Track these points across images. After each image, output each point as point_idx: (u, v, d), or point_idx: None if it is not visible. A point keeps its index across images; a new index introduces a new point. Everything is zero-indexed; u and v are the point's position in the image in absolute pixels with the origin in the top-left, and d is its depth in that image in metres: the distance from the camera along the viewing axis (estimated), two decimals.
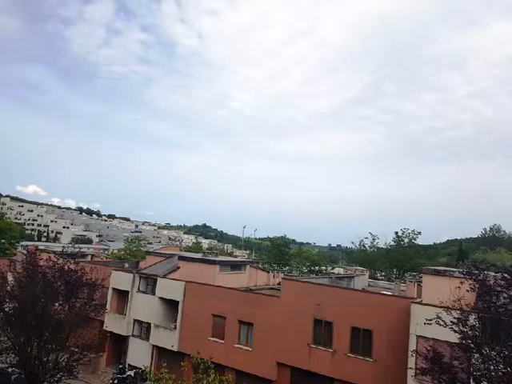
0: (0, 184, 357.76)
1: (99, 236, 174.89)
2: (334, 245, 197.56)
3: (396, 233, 60.93)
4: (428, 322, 14.16)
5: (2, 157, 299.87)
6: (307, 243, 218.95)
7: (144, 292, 29.70)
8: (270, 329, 23.60)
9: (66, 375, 21.07)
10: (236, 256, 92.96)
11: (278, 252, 69.56)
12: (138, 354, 28.81)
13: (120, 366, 28.90)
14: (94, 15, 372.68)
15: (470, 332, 13.21)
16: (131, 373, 27.65)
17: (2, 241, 63.15)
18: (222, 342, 25.14)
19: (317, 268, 63.46)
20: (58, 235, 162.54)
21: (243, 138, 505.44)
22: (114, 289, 30.90)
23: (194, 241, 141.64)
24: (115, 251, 79.71)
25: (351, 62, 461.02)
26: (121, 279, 30.88)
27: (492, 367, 12.28)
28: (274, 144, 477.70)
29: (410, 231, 59.17)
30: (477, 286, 13.94)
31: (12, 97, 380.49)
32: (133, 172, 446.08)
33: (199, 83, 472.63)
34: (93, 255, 45.88)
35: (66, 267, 22.79)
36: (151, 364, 27.71)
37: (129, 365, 29.00)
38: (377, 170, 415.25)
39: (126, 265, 39.42)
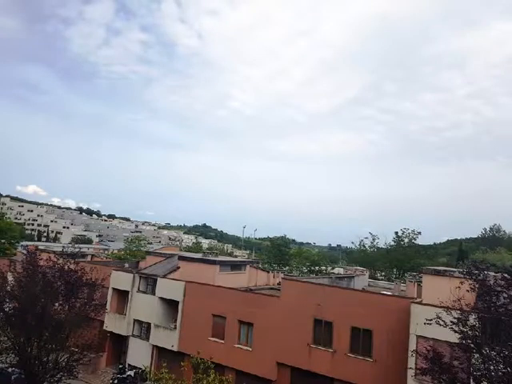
0: (0, 184, 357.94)
1: (99, 236, 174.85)
2: (334, 245, 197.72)
3: (396, 233, 61.01)
4: (428, 322, 14.16)
5: (2, 157, 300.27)
6: (307, 243, 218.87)
7: (144, 292, 29.69)
8: (270, 329, 23.59)
9: (66, 375, 21.07)
10: (236, 256, 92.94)
11: (278, 252, 69.56)
12: (138, 354, 28.81)
13: (120, 366, 28.90)
14: (94, 15, 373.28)
15: (470, 332, 13.20)
16: (131, 373, 27.65)
17: (2, 241, 63.15)
18: (222, 342, 25.13)
19: (317, 268, 63.47)
20: (58, 235, 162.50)
21: (243, 138, 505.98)
22: (114, 289, 30.89)
23: (194, 241, 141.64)
24: (115, 251, 79.70)
25: (351, 62, 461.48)
26: (121, 279, 30.88)
27: (492, 367, 12.27)
28: (274, 144, 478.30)
29: (410, 231, 59.25)
30: (477, 285, 13.94)
31: (12, 97, 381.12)
32: (133, 172, 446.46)
33: (199, 83, 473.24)
34: (93, 255, 45.88)
35: (66, 267, 22.79)
36: (151, 364, 27.70)
37: (129, 365, 29.00)
38: (377, 170, 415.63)
39: (126, 265, 39.42)
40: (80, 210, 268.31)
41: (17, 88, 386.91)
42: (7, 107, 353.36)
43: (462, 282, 14.25)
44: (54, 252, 33.45)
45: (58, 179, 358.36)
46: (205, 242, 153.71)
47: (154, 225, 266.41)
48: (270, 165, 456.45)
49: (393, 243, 61.67)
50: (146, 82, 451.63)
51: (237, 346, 24.62)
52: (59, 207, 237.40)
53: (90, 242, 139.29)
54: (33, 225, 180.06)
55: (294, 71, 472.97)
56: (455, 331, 13.46)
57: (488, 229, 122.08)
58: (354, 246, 69.81)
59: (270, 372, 23.25)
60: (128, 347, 29.76)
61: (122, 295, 30.83)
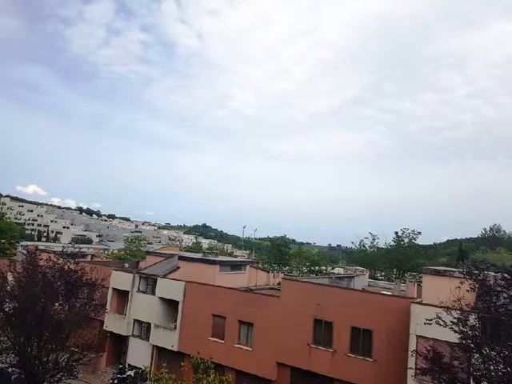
0: (0, 184, 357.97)
1: (99, 236, 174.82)
2: (334, 245, 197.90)
3: (396, 233, 61.03)
4: (428, 322, 14.16)
5: (2, 157, 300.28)
6: (307, 243, 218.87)
7: (144, 292, 29.69)
8: (270, 329, 23.59)
9: (66, 375, 21.06)
10: (236, 256, 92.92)
11: (278, 252, 69.57)
12: (138, 354, 28.81)
13: (120, 366, 28.90)
14: (94, 15, 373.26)
15: (470, 332, 13.20)
16: (131, 373, 27.65)
17: (2, 241, 63.16)
18: (222, 342, 25.13)
19: (317, 268, 63.48)
20: (58, 235, 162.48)
21: (243, 138, 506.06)
22: (114, 289, 30.89)
23: (194, 241, 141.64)
24: (115, 251, 79.70)
25: (351, 62, 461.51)
26: (121, 279, 30.88)
27: (492, 367, 12.27)
28: (274, 144, 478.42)
29: (410, 231, 59.29)
30: (477, 286, 13.94)
31: (12, 97, 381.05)
32: (133, 172, 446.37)
33: (199, 83, 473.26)
34: (93, 255, 45.88)
35: (66, 267, 22.78)
36: (151, 364, 27.70)
37: (129, 365, 28.99)
38: (377, 169, 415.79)
39: (126, 265, 39.42)
40: (80, 210, 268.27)
41: (17, 88, 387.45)
42: (7, 107, 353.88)
43: (461, 282, 14.25)
44: (54, 252, 33.44)
45: (57, 179, 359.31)
46: (205, 242, 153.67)
47: (154, 225, 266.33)
48: (270, 165, 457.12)
49: (393, 243, 61.73)
50: (146, 82, 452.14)
51: (237, 345, 24.62)
52: (59, 207, 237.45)
53: (90, 242, 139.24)
54: (33, 225, 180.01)
55: (294, 71, 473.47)
56: (455, 331, 13.46)
57: (488, 229, 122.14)
58: (354, 246, 69.90)
59: (270, 372, 23.24)
60: (128, 347, 29.75)
61: (122, 295, 30.82)
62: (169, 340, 27.23)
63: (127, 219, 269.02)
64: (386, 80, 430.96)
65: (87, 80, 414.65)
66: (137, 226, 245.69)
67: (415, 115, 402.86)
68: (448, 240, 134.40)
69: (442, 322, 13.75)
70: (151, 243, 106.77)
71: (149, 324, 28.64)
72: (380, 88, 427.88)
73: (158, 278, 29.08)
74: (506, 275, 13.58)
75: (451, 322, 13.67)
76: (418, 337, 18.17)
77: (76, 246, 64.01)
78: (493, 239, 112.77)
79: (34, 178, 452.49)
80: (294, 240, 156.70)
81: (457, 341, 13.71)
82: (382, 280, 50.03)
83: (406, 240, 59.76)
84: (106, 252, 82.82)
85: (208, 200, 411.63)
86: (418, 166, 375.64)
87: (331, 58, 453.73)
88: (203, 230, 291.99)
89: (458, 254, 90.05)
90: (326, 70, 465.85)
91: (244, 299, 25.53)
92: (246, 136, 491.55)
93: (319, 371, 21.65)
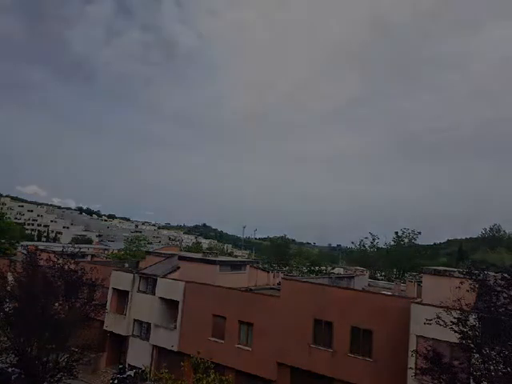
0: (0, 184, 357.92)
1: (99, 236, 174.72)
2: (334, 245, 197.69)
3: (396, 233, 61.22)
4: (428, 322, 14.18)
5: (1, 157, 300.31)
6: (307, 243, 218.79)
7: (144, 292, 29.69)
8: (270, 329, 23.58)
9: (65, 375, 21.08)
10: (236, 256, 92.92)
11: (278, 252, 69.68)
12: (138, 354, 28.80)
13: (120, 366, 28.88)
14: (94, 15, 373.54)
15: (470, 332, 13.21)
16: (131, 373, 27.64)
17: (2, 241, 63.12)
18: (222, 342, 25.13)
19: (317, 268, 63.56)
20: (58, 235, 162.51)
21: (243, 138, 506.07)
22: (114, 289, 30.88)
23: (194, 241, 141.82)
24: (115, 251, 79.80)
25: (351, 62, 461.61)
26: (121, 279, 30.87)
27: (492, 367, 12.27)
28: (275, 144, 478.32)
29: (410, 231, 59.42)
30: (477, 286, 13.95)
31: (12, 97, 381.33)
32: (133, 172, 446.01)
33: (199, 83, 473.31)
34: (93, 255, 45.87)
35: (66, 267, 22.80)
36: (151, 364, 27.70)
37: (129, 365, 28.98)
38: (377, 169, 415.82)
39: (126, 265, 39.44)
40: (80, 209, 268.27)
41: (17, 88, 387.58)
42: (7, 107, 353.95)
43: (461, 282, 14.26)
44: (54, 252, 33.43)
45: (58, 179, 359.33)
46: (205, 242, 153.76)
47: (153, 225, 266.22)
48: (270, 165, 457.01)
49: (393, 243, 61.85)
50: (146, 82, 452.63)
51: (237, 346, 24.61)
52: (59, 207, 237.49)
53: (90, 242, 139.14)
54: (33, 225, 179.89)
55: (295, 71, 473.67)
56: (455, 331, 13.46)
57: (488, 229, 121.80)
58: (354, 246, 70.01)
59: (270, 372, 23.24)
60: (128, 347, 29.73)
61: (122, 295, 30.80)
62: (169, 340, 27.23)
63: (127, 219, 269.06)
64: (386, 80, 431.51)
65: (87, 80, 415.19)
66: (137, 225, 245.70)
67: (415, 115, 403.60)
68: (448, 240, 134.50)
69: (442, 322, 13.76)
70: (151, 243, 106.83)
71: (149, 324, 28.63)
72: (380, 88, 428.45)
73: (158, 278, 29.08)
74: (506, 275, 13.57)
75: (451, 322, 13.67)
76: (418, 337, 18.14)
77: (76, 245, 64.08)
78: (493, 239, 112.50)
79: (34, 178, 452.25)
80: (293, 240, 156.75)
81: (457, 341, 13.72)
82: (382, 280, 50.04)
83: (406, 240, 59.91)
84: (106, 252, 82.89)
85: (208, 200, 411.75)
86: (418, 166, 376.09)
87: (331, 58, 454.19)
88: (203, 230, 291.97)
89: (458, 254, 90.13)
90: (326, 70, 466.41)
91: (244, 299, 25.53)
92: (245, 136, 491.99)
93: (319, 371, 21.63)
